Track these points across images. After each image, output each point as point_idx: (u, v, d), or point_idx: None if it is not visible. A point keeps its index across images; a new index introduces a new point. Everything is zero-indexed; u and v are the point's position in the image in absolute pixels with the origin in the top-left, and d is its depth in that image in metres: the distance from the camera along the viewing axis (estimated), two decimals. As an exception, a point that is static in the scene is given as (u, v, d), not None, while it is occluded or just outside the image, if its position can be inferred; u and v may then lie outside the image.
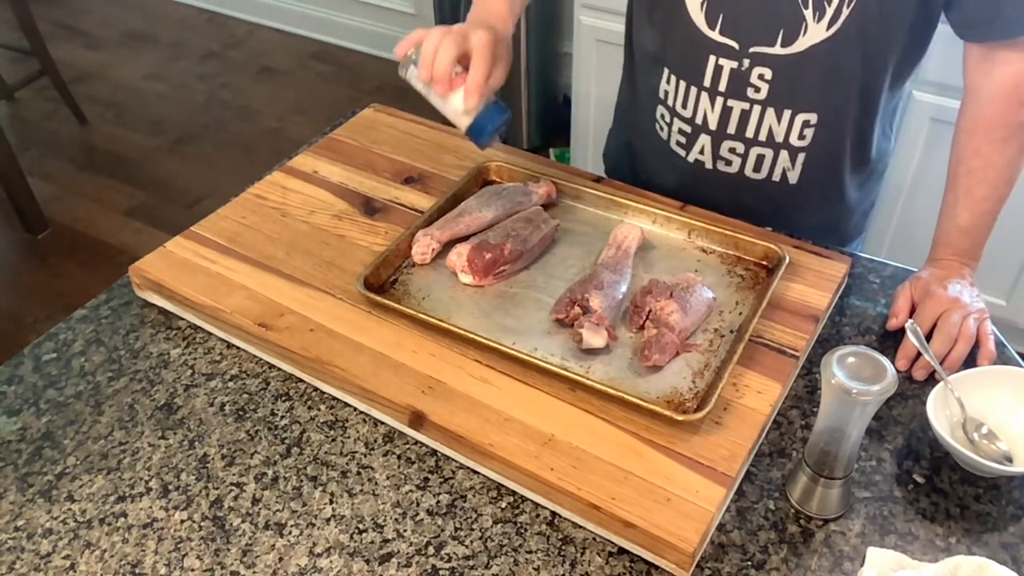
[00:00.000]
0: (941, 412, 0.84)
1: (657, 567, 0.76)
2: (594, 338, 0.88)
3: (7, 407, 0.91)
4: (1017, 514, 0.80)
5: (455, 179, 1.13)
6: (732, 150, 1.09)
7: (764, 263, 1.00)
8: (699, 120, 1.09)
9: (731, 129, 1.07)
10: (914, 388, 0.91)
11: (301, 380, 0.93)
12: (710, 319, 0.94)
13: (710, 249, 1.03)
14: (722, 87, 1.05)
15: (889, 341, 0.95)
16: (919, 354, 0.91)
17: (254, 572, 0.76)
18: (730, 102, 1.05)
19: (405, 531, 0.79)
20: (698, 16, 1.02)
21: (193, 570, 0.76)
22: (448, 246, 1.01)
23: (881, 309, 0.99)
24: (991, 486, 0.82)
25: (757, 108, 1.04)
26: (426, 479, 0.83)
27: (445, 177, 1.14)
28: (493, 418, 0.83)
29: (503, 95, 2.76)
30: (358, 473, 0.83)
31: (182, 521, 0.80)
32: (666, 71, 1.10)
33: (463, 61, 0.93)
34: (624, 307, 0.95)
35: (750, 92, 1.04)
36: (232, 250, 1.03)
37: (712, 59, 1.03)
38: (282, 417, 0.89)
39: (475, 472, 0.83)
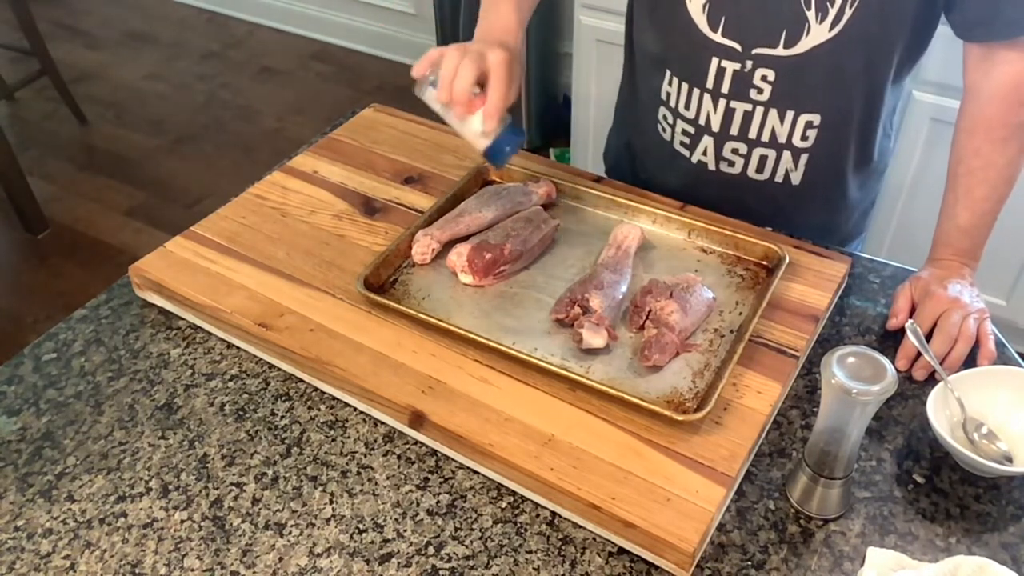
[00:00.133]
0: (941, 412, 0.84)
1: (657, 567, 0.76)
2: (594, 338, 0.88)
3: (7, 407, 0.92)
4: (1017, 514, 0.80)
5: (455, 179, 1.13)
6: (735, 151, 1.09)
7: (764, 263, 1.00)
8: (702, 121, 1.09)
9: (734, 130, 1.07)
10: (914, 388, 0.91)
11: (301, 380, 0.93)
12: (710, 319, 0.94)
13: (710, 249, 1.03)
14: (725, 89, 1.05)
15: (889, 341, 0.95)
16: (919, 354, 0.91)
17: (254, 572, 0.76)
18: (733, 103, 1.05)
19: (405, 531, 0.79)
20: (700, 18, 1.02)
21: (193, 570, 0.76)
22: (448, 246, 1.01)
23: (881, 309, 0.99)
24: (991, 486, 0.82)
25: (760, 109, 1.04)
26: (426, 479, 0.83)
27: (445, 177, 1.14)
28: (493, 418, 0.83)
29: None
30: (358, 473, 0.83)
31: (182, 521, 0.80)
32: (668, 73, 1.10)
33: (480, 81, 0.93)
34: (624, 307, 0.95)
35: (753, 93, 1.04)
36: (232, 250, 1.03)
37: (714, 61, 1.03)
38: (282, 417, 0.89)
39: (475, 472, 0.83)
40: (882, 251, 2.02)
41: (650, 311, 0.91)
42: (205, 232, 1.06)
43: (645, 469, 0.78)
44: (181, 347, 0.97)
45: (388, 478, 0.83)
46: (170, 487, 0.83)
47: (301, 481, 0.83)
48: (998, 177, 0.98)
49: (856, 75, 1.02)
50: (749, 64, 1.02)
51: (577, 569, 0.76)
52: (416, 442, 0.86)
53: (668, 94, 1.12)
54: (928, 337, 0.91)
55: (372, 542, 0.78)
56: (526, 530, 0.79)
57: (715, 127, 1.08)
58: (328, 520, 0.80)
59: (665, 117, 1.14)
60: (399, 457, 0.85)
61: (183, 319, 1.00)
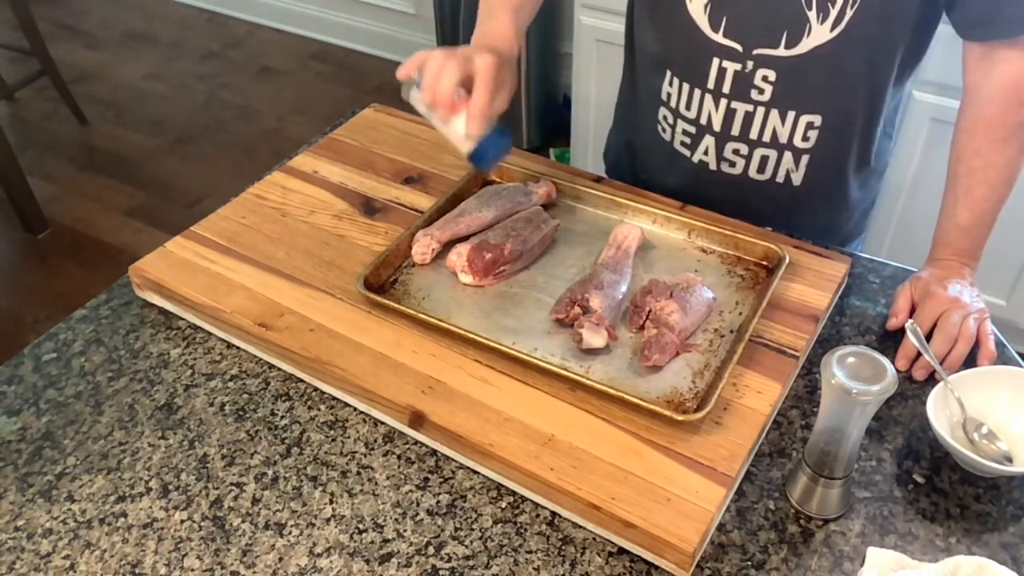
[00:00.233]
0: (941, 412, 0.84)
1: (657, 567, 0.76)
2: (594, 338, 0.88)
3: (7, 407, 0.92)
4: (1017, 514, 0.80)
5: (455, 179, 1.13)
6: (736, 151, 1.09)
7: (764, 263, 1.00)
8: (703, 121, 1.09)
9: (735, 131, 1.07)
10: (914, 388, 0.91)
11: (301, 380, 0.93)
12: (710, 319, 0.94)
13: (710, 249, 1.03)
14: (726, 89, 1.05)
15: (889, 341, 0.95)
16: (919, 354, 0.91)
17: (254, 572, 0.76)
18: (734, 104, 1.05)
19: (405, 531, 0.79)
20: (701, 19, 1.02)
21: (193, 570, 0.76)
22: (448, 246, 1.01)
23: (881, 309, 0.99)
24: (991, 486, 0.82)
25: (761, 110, 1.04)
26: (426, 479, 0.83)
27: (445, 177, 1.14)
28: (493, 418, 0.83)
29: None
30: (358, 473, 0.83)
31: (182, 521, 0.80)
32: (669, 73, 1.10)
33: (467, 84, 0.92)
34: (624, 307, 0.95)
35: (754, 94, 1.04)
36: (232, 250, 1.03)
37: (715, 61, 1.03)
38: (282, 417, 0.89)
39: (475, 472, 0.83)
40: (882, 251, 2.02)
41: (650, 311, 0.91)
42: (205, 232, 1.06)
43: (645, 469, 0.78)
44: (181, 347, 0.97)
45: (388, 478, 0.83)
46: (170, 487, 0.83)
47: (301, 481, 0.83)
48: (998, 177, 0.98)
49: (857, 76, 1.02)
50: (750, 64, 1.02)
51: (577, 569, 0.76)
52: (416, 442, 0.86)
53: (669, 94, 1.12)
54: (928, 337, 0.91)
55: (372, 542, 0.78)
56: (526, 530, 0.79)
57: (716, 127, 1.08)
58: (328, 520, 0.80)
59: (665, 117, 1.14)
60: (399, 457, 0.85)
61: (183, 319, 1.00)
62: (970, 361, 0.91)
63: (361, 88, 3.24)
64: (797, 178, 1.10)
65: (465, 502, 0.81)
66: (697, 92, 1.07)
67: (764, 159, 1.09)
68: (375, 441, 0.86)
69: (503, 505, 0.81)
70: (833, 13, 0.95)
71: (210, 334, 0.98)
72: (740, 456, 0.79)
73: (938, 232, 1.02)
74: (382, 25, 3.39)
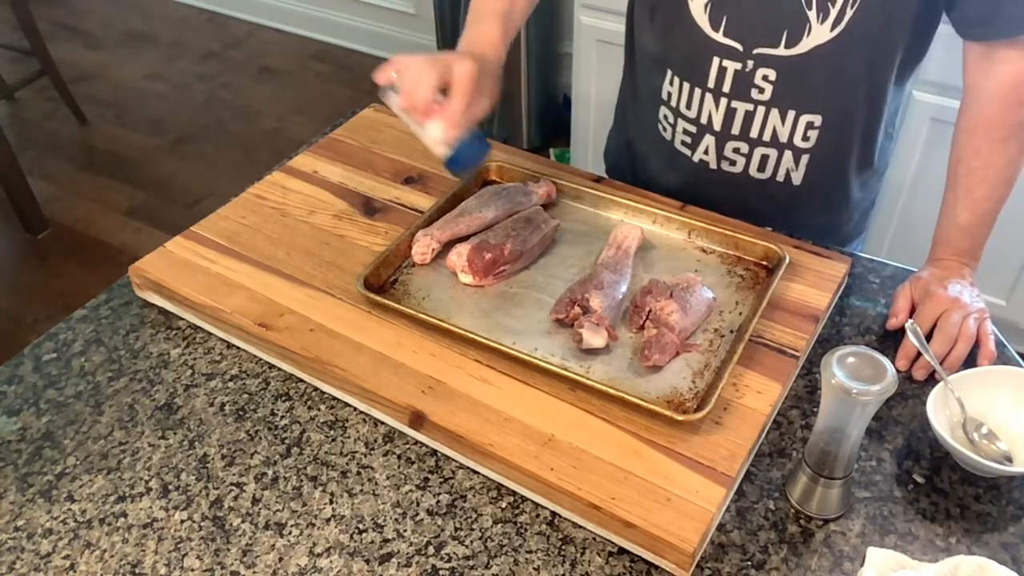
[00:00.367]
0: (941, 412, 0.84)
1: (657, 567, 0.76)
2: (594, 338, 0.88)
3: (7, 407, 0.91)
4: (1017, 514, 0.80)
5: (455, 179, 1.13)
6: (736, 150, 1.09)
7: (764, 263, 1.00)
8: (703, 121, 1.09)
9: (735, 130, 1.07)
10: (914, 388, 0.91)
11: (301, 380, 0.93)
12: (710, 319, 0.94)
13: (710, 249, 1.03)
14: (726, 88, 1.05)
15: (889, 341, 0.95)
16: (919, 354, 0.91)
17: (254, 572, 0.76)
18: (734, 103, 1.05)
19: (405, 531, 0.79)
20: (702, 18, 1.02)
21: (193, 570, 0.76)
22: (448, 246, 1.01)
23: (881, 309, 0.99)
24: (991, 486, 0.82)
25: (761, 109, 1.04)
26: (426, 479, 0.83)
27: (445, 177, 1.14)
28: (493, 418, 0.83)
29: (504, 96, 2.78)
30: (358, 473, 0.83)
31: (182, 521, 0.80)
32: (669, 72, 1.10)
33: (445, 90, 0.91)
34: (624, 307, 0.95)
35: (754, 93, 1.04)
36: (232, 250, 1.03)
37: (716, 61, 1.03)
38: (282, 417, 0.89)
39: (475, 472, 0.83)
40: (882, 251, 2.02)
41: (650, 311, 0.91)
42: (205, 232, 1.06)
43: (645, 469, 0.78)
44: (181, 347, 0.97)
45: (388, 478, 0.83)
46: (170, 487, 0.83)
47: (301, 481, 0.83)
48: (998, 177, 0.98)
49: (858, 75, 1.02)
50: (750, 64, 1.02)
51: (577, 569, 0.76)
52: (416, 442, 0.86)
53: (669, 94, 1.12)
54: (928, 337, 0.91)
55: (372, 542, 0.78)
56: (526, 530, 0.79)
57: (716, 127, 1.08)
58: (328, 520, 0.80)
59: (666, 117, 1.14)
60: (399, 457, 0.85)
61: (183, 319, 1.00)
62: (970, 361, 0.91)
63: (361, 88, 3.24)
64: (797, 177, 1.10)
65: (465, 502, 0.81)
66: (697, 91, 1.07)
67: (764, 158, 1.09)
68: (375, 441, 0.86)
69: (503, 505, 0.81)
70: (833, 13, 0.95)
71: (210, 334, 0.98)
72: (740, 456, 0.79)
73: (938, 232, 1.02)
74: (382, 25, 3.39)
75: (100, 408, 0.91)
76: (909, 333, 0.90)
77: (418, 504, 0.81)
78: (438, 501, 0.81)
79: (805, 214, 1.13)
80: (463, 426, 0.82)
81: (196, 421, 0.89)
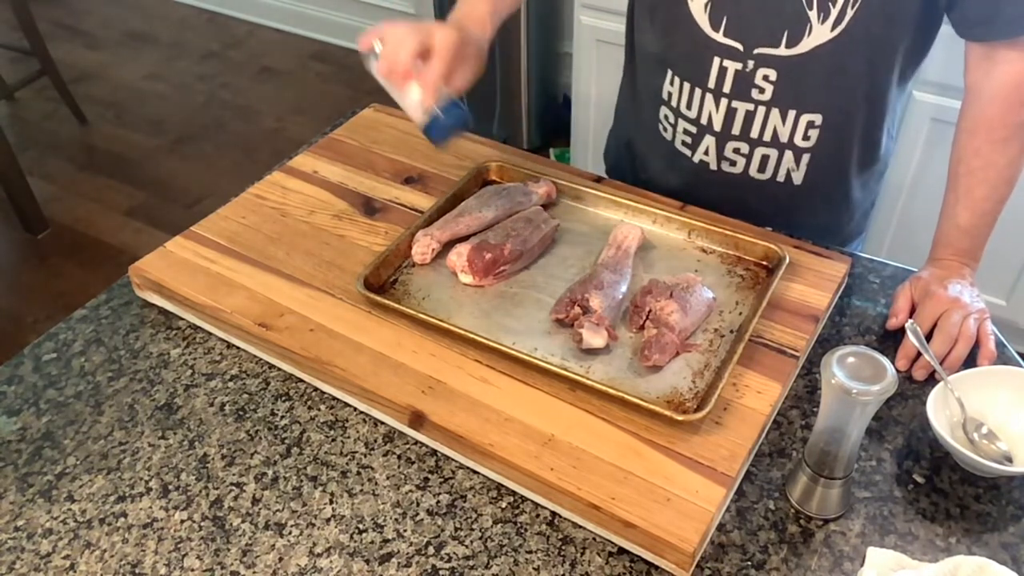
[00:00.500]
0: (941, 412, 0.84)
1: (657, 567, 0.76)
2: (594, 338, 0.88)
3: (7, 407, 0.91)
4: (1017, 514, 0.80)
5: (455, 179, 1.13)
6: (736, 151, 1.09)
7: (764, 263, 1.00)
8: (703, 121, 1.09)
9: (735, 130, 1.07)
10: (914, 388, 0.91)
11: (301, 380, 0.93)
12: (710, 319, 0.94)
13: (710, 249, 1.03)
14: (726, 88, 1.05)
15: (889, 341, 0.95)
16: (919, 354, 0.91)
17: (254, 572, 0.76)
18: (734, 103, 1.05)
19: (405, 531, 0.79)
20: (702, 18, 1.02)
21: (193, 570, 0.76)
22: (448, 246, 1.01)
23: (881, 309, 0.99)
24: (991, 486, 0.82)
25: (762, 109, 1.04)
26: (426, 479, 0.83)
27: (445, 177, 1.14)
28: (493, 418, 0.83)
29: (504, 95, 2.78)
30: (358, 473, 0.83)
31: (182, 521, 0.80)
32: (669, 72, 1.10)
33: (427, 58, 0.92)
34: (624, 307, 0.95)
35: (755, 93, 1.04)
36: (232, 250, 1.03)
37: (716, 61, 1.03)
38: (282, 417, 0.89)
39: (475, 472, 0.83)
40: (882, 251, 2.02)
41: (650, 311, 0.91)
42: (205, 232, 1.06)
43: (645, 469, 0.78)
44: (181, 347, 0.97)
45: (388, 478, 0.83)
46: (170, 487, 0.83)
47: (301, 481, 0.83)
48: (998, 177, 0.98)
49: (858, 75, 1.02)
50: (751, 64, 1.02)
51: (577, 569, 0.76)
52: (416, 442, 0.86)
53: (669, 94, 1.12)
54: (928, 337, 0.91)
55: (372, 542, 0.78)
56: (526, 530, 0.79)
57: (717, 127, 1.08)
58: (328, 520, 0.80)
59: (666, 117, 1.14)
60: (399, 457, 0.85)
61: (183, 319, 1.00)
62: (970, 361, 0.91)
63: (361, 88, 3.24)
64: (798, 177, 1.10)
65: (465, 502, 0.81)
66: (698, 91, 1.07)
67: (765, 158, 1.09)
68: (375, 441, 0.86)
69: (503, 505, 0.81)
70: (834, 13, 0.95)
71: (210, 334, 0.98)
72: (740, 456, 0.79)
73: (938, 232, 1.02)
74: (382, 25, 3.39)
75: (100, 408, 0.91)
76: (909, 333, 0.90)
77: (418, 504, 0.81)
78: (438, 501, 0.81)
79: (806, 214, 1.13)
80: (463, 426, 0.82)
81: (196, 421, 0.89)
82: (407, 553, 0.77)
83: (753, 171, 1.10)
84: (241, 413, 0.89)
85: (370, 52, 0.95)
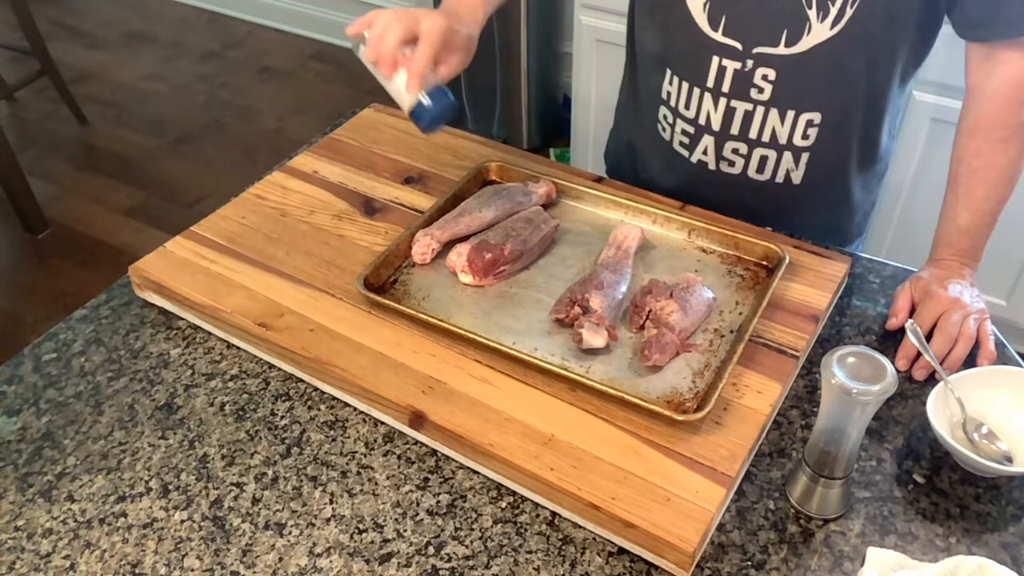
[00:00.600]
0: (941, 412, 0.84)
1: (657, 567, 0.76)
2: (594, 338, 0.88)
3: (7, 407, 0.91)
4: (1017, 514, 0.80)
5: (455, 179, 1.13)
6: (735, 151, 1.09)
7: (764, 263, 1.00)
8: (702, 121, 1.09)
9: (734, 130, 1.07)
10: (914, 388, 0.91)
11: (301, 380, 0.93)
12: (710, 319, 0.94)
13: (710, 249, 1.03)
14: (725, 88, 1.05)
15: (889, 341, 0.95)
16: (919, 354, 0.91)
17: (254, 572, 0.76)
18: (733, 103, 1.05)
19: (405, 531, 0.79)
20: (701, 17, 1.02)
21: (193, 570, 0.76)
22: (448, 246, 1.01)
23: (881, 309, 0.99)
24: (991, 486, 0.82)
25: (760, 109, 1.04)
26: (426, 479, 0.83)
27: (445, 177, 1.14)
28: (493, 418, 0.83)
29: (504, 95, 2.78)
30: (358, 473, 0.83)
31: (182, 521, 0.80)
32: (668, 72, 1.10)
33: (414, 44, 0.93)
34: (624, 307, 0.95)
35: (753, 93, 1.04)
36: (232, 250, 1.03)
37: (715, 60, 1.03)
38: (282, 417, 0.89)
39: (475, 472, 0.83)
40: (882, 251, 2.02)
41: (650, 311, 0.91)
42: (205, 232, 1.06)
43: (645, 469, 0.78)
44: (181, 347, 0.97)
45: (388, 478, 0.83)
46: (170, 487, 0.83)
47: (301, 481, 0.83)
48: (999, 177, 0.98)
49: (858, 74, 1.01)
50: (750, 63, 1.02)
51: (577, 569, 0.76)
52: (416, 442, 0.86)
53: (669, 93, 1.12)
54: (928, 337, 0.91)
55: (372, 542, 0.78)
56: (526, 530, 0.79)
57: (715, 127, 1.08)
58: (328, 520, 0.80)
59: (665, 116, 1.14)
60: (399, 457, 0.85)
61: (183, 319, 1.00)
62: (970, 361, 0.91)
63: (361, 88, 3.24)
64: (797, 177, 1.10)
65: (465, 502, 0.81)
66: (696, 91, 1.07)
67: (763, 159, 1.09)
68: (375, 441, 0.86)
69: (503, 505, 0.81)
70: (833, 11, 0.95)
71: (210, 334, 0.98)
72: (740, 456, 0.79)
73: (939, 232, 1.02)
74: (382, 25, 3.39)
75: (100, 408, 0.91)
76: (909, 333, 0.90)
77: (418, 504, 0.81)
78: (438, 501, 0.81)
79: (806, 214, 1.13)
80: (463, 426, 0.82)
81: (196, 421, 0.89)
82: (407, 553, 0.77)
83: (752, 171, 1.10)
84: (241, 413, 0.89)
85: (359, 39, 0.96)
